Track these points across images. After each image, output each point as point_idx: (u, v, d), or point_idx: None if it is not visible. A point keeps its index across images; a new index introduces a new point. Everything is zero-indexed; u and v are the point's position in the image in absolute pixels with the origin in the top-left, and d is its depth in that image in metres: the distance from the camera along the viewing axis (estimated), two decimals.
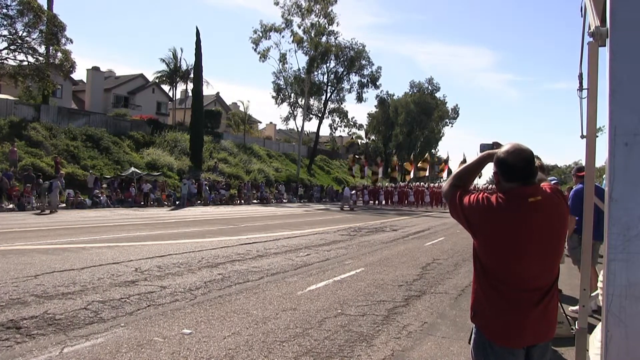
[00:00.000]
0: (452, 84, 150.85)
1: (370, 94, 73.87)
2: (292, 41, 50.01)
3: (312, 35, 49.63)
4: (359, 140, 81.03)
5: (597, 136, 2.77)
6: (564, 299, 3.62)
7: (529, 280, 2.17)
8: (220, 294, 6.59)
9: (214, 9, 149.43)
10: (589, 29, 2.61)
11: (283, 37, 51.19)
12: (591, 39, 2.51)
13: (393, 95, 70.03)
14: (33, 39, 26.68)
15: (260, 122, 72.02)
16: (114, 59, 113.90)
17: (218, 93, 62.67)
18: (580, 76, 3.35)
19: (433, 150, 73.60)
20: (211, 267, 8.47)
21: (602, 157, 2.46)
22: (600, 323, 2.19)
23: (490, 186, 41.86)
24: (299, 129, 54.57)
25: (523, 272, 2.16)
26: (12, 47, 26.45)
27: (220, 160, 39.88)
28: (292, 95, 53.87)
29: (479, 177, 46.26)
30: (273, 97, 53.98)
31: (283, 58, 51.78)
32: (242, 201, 33.45)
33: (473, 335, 2.32)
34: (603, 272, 2.15)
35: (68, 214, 19.42)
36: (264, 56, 50.71)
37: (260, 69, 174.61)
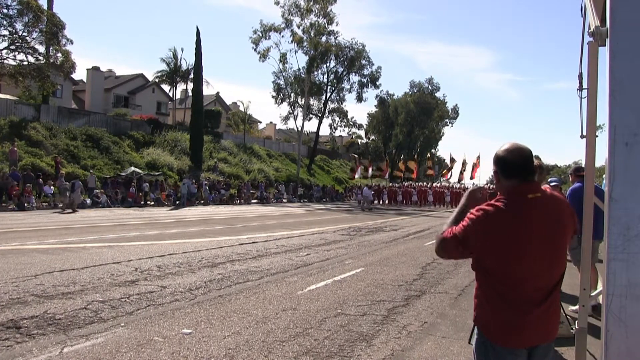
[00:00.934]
0: (452, 83, 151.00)
1: (370, 94, 74.27)
2: (292, 41, 50.04)
3: (312, 35, 49.61)
4: (359, 140, 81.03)
5: (597, 136, 2.78)
6: (563, 298, 3.62)
7: (531, 280, 2.16)
8: (220, 293, 6.59)
9: (214, 9, 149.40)
10: (589, 28, 2.61)
11: (283, 37, 51.20)
12: (591, 39, 2.51)
13: (393, 95, 70.09)
14: (33, 39, 26.68)
15: (260, 122, 72.09)
16: (114, 59, 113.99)
17: (218, 93, 62.77)
18: (580, 76, 3.35)
19: (433, 150, 73.62)
20: (211, 267, 8.47)
21: (602, 157, 2.47)
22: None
23: (490, 185, 41.91)
24: (299, 129, 54.56)
25: (525, 272, 2.15)
26: (12, 47, 26.44)
27: (220, 160, 39.88)
28: (292, 95, 53.89)
29: (471, 178, 46.35)
30: (273, 96, 54.00)
31: (283, 58, 51.81)
32: (242, 201, 33.45)
33: (475, 336, 2.32)
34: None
35: (67, 214, 19.42)
36: (264, 56, 50.72)
37: (260, 69, 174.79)
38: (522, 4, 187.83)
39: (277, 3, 49.44)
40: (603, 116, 2.26)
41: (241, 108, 54.40)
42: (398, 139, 68.45)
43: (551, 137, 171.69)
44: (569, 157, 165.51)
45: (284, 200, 38.03)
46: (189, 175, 32.05)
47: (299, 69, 52.14)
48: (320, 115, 55.48)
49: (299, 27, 49.93)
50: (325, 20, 49.99)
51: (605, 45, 2.25)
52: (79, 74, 48.08)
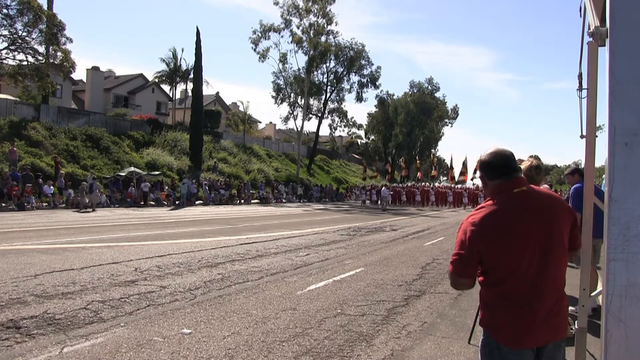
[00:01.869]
0: (452, 83, 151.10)
1: (370, 94, 74.29)
2: (292, 41, 50.05)
3: (311, 35, 49.61)
4: (359, 140, 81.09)
5: (597, 136, 2.78)
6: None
7: (531, 277, 2.17)
8: (220, 293, 6.59)
9: (213, 9, 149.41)
10: (589, 29, 2.61)
11: (282, 37, 51.26)
12: (591, 39, 2.51)
13: (393, 95, 70.16)
14: (33, 39, 26.70)
15: (260, 122, 72.10)
16: (114, 59, 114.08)
17: (218, 93, 62.75)
18: (580, 76, 3.35)
19: (433, 150, 73.68)
20: (211, 267, 8.47)
21: (601, 157, 2.47)
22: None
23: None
24: (299, 129, 54.61)
25: (524, 268, 2.17)
26: (12, 47, 26.44)
27: (220, 160, 39.88)
28: (292, 95, 53.93)
29: (472, 179, 46.64)
30: (273, 97, 54.06)
31: (283, 58, 51.83)
32: (242, 201, 33.44)
33: (482, 337, 2.32)
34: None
35: (67, 214, 19.42)
36: (263, 56, 50.73)
37: (260, 69, 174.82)
38: (522, 4, 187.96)
39: (277, 3, 49.48)
40: (603, 116, 2.26)
41: (241, 108, 54.42)
42: (398, 139, 68.48)
43: (551, 137, 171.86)
44: (568, 157, 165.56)
45: (283, 200, 38.03)
46: (189, 175, 32.05)
47: (298, 69, 52.23)
48: (320, 115, 55.57)
49: (298, 28, 50.01)
50: (324, 20, 50.03)
51: (605, 46, 2.25)
52: (79, 74, 48.20)
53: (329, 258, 10.05)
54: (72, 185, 24.35)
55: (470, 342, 4.90)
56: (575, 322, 2.81)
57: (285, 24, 49.81)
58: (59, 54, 27.28)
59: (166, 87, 52.31)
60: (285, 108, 71.40)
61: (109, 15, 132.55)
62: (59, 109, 31.90)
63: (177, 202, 28.14)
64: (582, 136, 2.99)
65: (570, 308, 5.90)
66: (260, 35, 49.93)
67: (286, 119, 57.14)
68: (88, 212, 20.90)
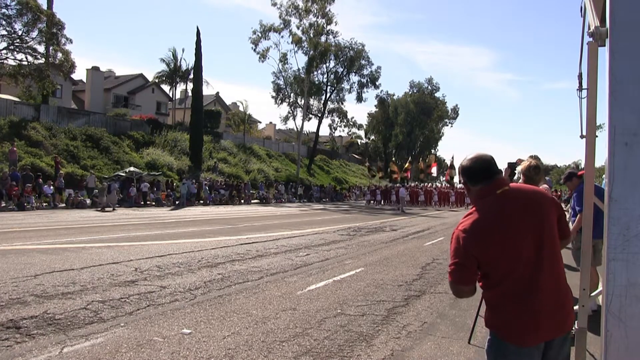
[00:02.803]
0: (452, 83, 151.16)
1: (370, 94, 74.28)
2: (291, 41, 50.07)
3: (311, 35, 49.62)
4: (359, 140, 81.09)
5: (597, 136, 2.78)
6: None
7: (529, 273, 2.19)
8: (220, 293, 6.59)
9: (213, 9, 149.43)
10: (589, 29, 2.61)
11: (282, 37, 51.30)
12: (591, 39, 2.51)
13: (393, 95, 70.15)
14: (32, 39, 26.68)
15: (260, 122, 72.12)
16: (114, 59, 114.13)
17: (218, 93, 62.75)
18: (580, 76, 3.35)
19: (433, 150, 73.67)
20: (211, 267, 8.47)
21: (601, 157, 2.47)
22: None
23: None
24: (299, 129, 54.62)
25: (521, 265, 2.19)
26: (11, 47, 26.43)
27: (220, 160, 39.88)
28: (292, 95, 53.96)
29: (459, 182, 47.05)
30: (273, 97, 54.09)
31: (283, 58, 51.89)
32: (242, 201, 33.44)
33: (488, 337, 2.32)
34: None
35: (68, 214, 19.42)
36: (263, 56, 50.79)
37: (260, 69, 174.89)
38: (522, 4, 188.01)
39: (275, 4, 49.49)
40: (603, 116, 2.26)
41: (241, 108, 54.46)
42: (398, 139, 68.49)
43: (551, 137, 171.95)
44: (568, 157, 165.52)
45: (283, 200, 38.03)
46: (189, 176, 32.04)
47: (298, 69, 52.28)
48: (320, 115, 55.56)
49: (297, 28, 50.03)
50: (324, 20, 50.06)
51: (605, 46, 2.25)
52: (79, 74, 48.21)
53: (329, 258, 10.05)
54: (72, 185, 24.39)
55: (470, 342, 4.90)
56: (575, 322, 2.81)
57: (285, 24, 49.88)
58: (58, 54, 27.27)
59: (166, 87, 52.39)
60: (285, 108, 71.43)
61: (109, 15, 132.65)
62: (59, 109, 31.90)
63: (177, 202, 28.14)
64: (582, 136, 2.99)
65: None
66: (260, 35, 50.01)
67: (286, 119, 57.25)
68: (108, 211, 21.74)
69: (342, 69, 54.58)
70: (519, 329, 2.18)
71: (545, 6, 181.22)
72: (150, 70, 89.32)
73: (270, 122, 75.88)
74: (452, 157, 51.27)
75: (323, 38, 50.56)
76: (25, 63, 26.84)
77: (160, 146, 35.91)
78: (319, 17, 49.81)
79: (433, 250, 12.20)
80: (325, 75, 54.57)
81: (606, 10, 2.20)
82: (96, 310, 5.52)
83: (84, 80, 47.74)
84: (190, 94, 42.87)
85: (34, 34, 26.58)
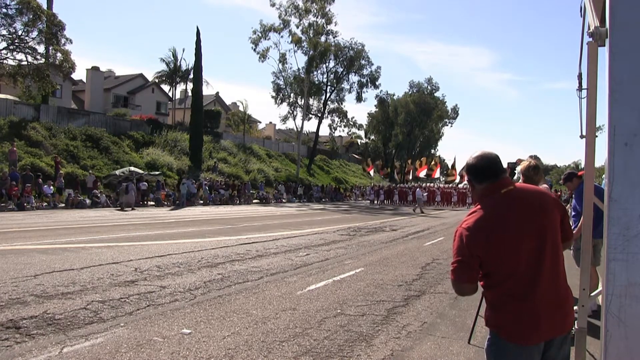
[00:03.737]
0: (452, 83, 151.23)
1: (370, 94, 74.16)
2: (291, 41, 50.05)
3: (311, 35, 49.61)
4: (359, 140, 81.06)
5: (597, 136, 2.78)
6: None
7: (531, 273, 2.19)
8: (220, 293, 6.59)
9: (213, 8, 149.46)
10: (589, 29, 2.61)
11: (282, 37, 51.26)
12: (590, 39, 2.51)
13: (393, 95, 70.09)
14: (32, 39, 26.65)
15: (260, 122, 72.10)
16: (114, 59, 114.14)
17: (217, 93, 62.74)
18: (580, 76, 3.35)
19: (433, 150, 73.65)
20: (211, 267, 8.47)
21: (601, 157, 2.47)
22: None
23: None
24: (299, 129, 54.62)
25: (522, 265, 2.19)
26: (11, 47, 26.41)
27: (220, 160, 39.87)
28: (292, 95, 53.94)
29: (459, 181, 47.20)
30: (273, 97, 54.05)
31: (282, 58, 51.88)
32: (242, 201, 33.43)
33: (488, 336, 2.33)
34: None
35: (67, 214, 19.42)
36: (263, 56, 50.78)
37: (259, 69, 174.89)
38: (522, 4, 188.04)
39: (273, 5, 49.47)
40: (603, 116, 2.26)
41: (240, 108, 54.44)
42: (398, 139, 68.44)
43: (551, 137, 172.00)
44: (568, 157, 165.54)
45: (283, 200, 38.02)
46: (189, 175, 32.03)
47: (298, 69, 52.26)
48: (319, 115, 55.55)
49: (297, 28, 50.03)
50: (323, 20, 50.06)
51: (604, 46, 2.25)
52: (79, 74, 48.15)
53: (328, 258, 10.05)
54: (72, 185, 24.40)
55: (470, 342, 4.90)
56: (575, 322, 2.81)
57: (284, 24, 49.86)
58: (58, 54, 27.23)
59: (166, 87, 52.38)
60: (285, 108, 71.27)
61: (109, 15, 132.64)
62: (58, 109, 31.88)
63: (177, 202, 28.13)
64: (582, 136, 2.99)
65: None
66: (260, 35, 50.00)
67: (286, 119, 57.16)
68: (128, 210, 22.57)
69: (341, 69, 54.59)
70: (520, 329, 2.19)
71: (545, 6, 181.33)
72: (150, 70, 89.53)
73: (270, 122, 75.91)
74: (454, 159, 51.46)
75: (323, 38, 50.59)
76: (25, 63, 26.82)
77: (160, 146, 35.89)
78: (319, 17, 49.86)
79: (433, 250, 12.20)
80: (325, 75, 54.61)
81: (606, 10, 2.20)
82: (96, 310, 5.52)
83: (84, 80, 47.71)
84: (190, 94, 42.86)
85: (34, 34, 26.56)
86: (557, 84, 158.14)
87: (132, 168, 27.71)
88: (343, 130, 64.20)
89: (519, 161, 5.37)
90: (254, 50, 50.71)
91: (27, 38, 26.49)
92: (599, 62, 2.66)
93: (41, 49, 27.25)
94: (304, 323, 5.37)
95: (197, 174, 34.31)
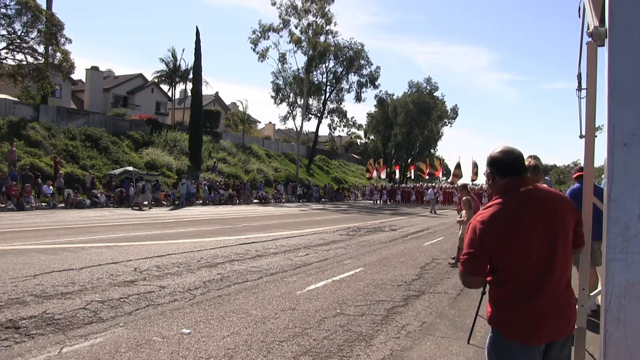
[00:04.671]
0: (451, 83, 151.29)
1: (370, 94, 73.80)
2: (290, 41, 50.03)
3: (310, 35, 49.60)
4: (358, 140, 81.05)
5: (596, 136, 2.78)
6: None
7: (539, 274, 2.19)
8: (219, 293, 6.59)
9: (212, 8, 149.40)
10: (588, 29, 2.61)
11: (281, 37, 51.30)
12: (590, 39, 2.51)
13: (392, 95, 70.02)
14: (32, 39, 26.63)
15: (260, 122, 72.09)
16: (113, 59, 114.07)
17: (217, 93, 62.72)
18: (579, 76, 3.35)
19: (432, 150, 73.59)
20: (210, 267, 8.46)
21: (601, 157, 2.47)
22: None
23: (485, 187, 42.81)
24: (298, 129, 54.59)
25: (531, 265, 2.18)
26: (10, 47, 26.38)
27: (220, 160, 39.86)
28: (291, 95, 53.96)
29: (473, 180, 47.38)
30: (272, 97, 54.05)
31: (282, 58, 51.87)
32: (241, 201, 33.41)
33: (490, 335, 2.32)
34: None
35: (67, 214, 19.40)
36: (262, 56, 50.77)
37: (259, 69, 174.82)
38: (522, 3, 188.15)
39: (274, 4, 49.45)
40: (602, 116, 2.26)
41: (240, 108, 54.41)
42: (397, 139, 68.37)
43: (550, 137, 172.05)
44: (568, 157, 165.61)
45: (283, 200, 38.01)
46: (188, 175, 32.02)
47: (297, 69, 52.25)
48: (319, 115, 55.56)
49: (297, 28, 50.01)
50: (323, 20, 50.06)
51: (604, 46, 2.25)
52: (78, 74, 48.05)
53: (328, 258, 10.05)
54: (72, 185, 24.37)
55: (469, 342, 4.90)
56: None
57: (284, 24, 49.85)
58: (58, 54, 27.20)
59: (165, 87, 52.34)
60: (284, 108, 71.39)
61: (109, 15, 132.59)
62: (58, 109, 31.85)
63: (176, 202, 28.12)
64: (581, 136, 2.98)
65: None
66: (259, 35, 49.98)
67: (285, 119, 57.15)
68: (145, 210, 23.36)
69: (341, 69, 54.61)
70: (523, 328, 2.18)
71: (545, 6, 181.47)
72: (149, 70, 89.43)
73: (270, 122, 75.91)
74: (459, 158, 51.62)
75: (322, 38, 50.60)
76: (25, 63, 26.80)
77: (159, 146, 35.88)
78: (318, 17, 49.86)
79: (432, 250, 12.20)
80: (325, 75, 54.63)
81: (605, 10, 2.20)
82: (95, 310, 5.52)
83: (84, 80, 47.65)
84: (189, 93, 42.82)
85: (34, 34, 26.52)
86: (557, 84, 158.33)
87: (130, 168, 27.66)
88: (342, 130, 64.25)
89: None
90: (254, 50, 50.78)
91: (26, 38, 26.48)
92: (598, 62, 2.66)
93: (41, 49, 27.25)
94: (304, 323, 5.37)
95: (197, 174, 34.30)
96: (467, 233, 2.30)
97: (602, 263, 2.21)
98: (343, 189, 50.33)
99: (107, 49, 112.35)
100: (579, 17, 3.24)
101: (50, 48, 27.15)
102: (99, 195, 24.45)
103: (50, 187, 22.65)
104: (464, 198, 9.89)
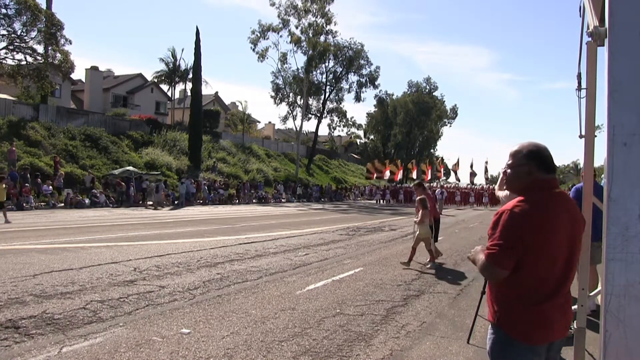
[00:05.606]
0: (451, 83, 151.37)
1: (369, 94, 73.58)
2: (290, 41, 50.02)
3: (310, 35, 49.58)
4: (358, 140, 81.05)
5: (596, 136, 2.78)
6: None
7: (558, 277, 2.18)
8: (219, 293, 6.59)
9: (212, 8, 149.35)
10: (588, 29, 2.61)
11: (281, 37, 51.26)
12: (590, 39, 2.51)
13: (392, 95, 70.03)
14: (32, 39, 26.60)
15: (259, 122, 72.09)
16: (113, 59, 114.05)
17: (217, 93, 62.72)
18: (579, 76, 3.35)
19: (432, 150, 73.60)
20: (210, 266, 8.46)
21: (600, 157, 2.47)
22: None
23: (491, 186, 42.89)
24: (298, 129, 54.58)
25: (552, 264, 2.16)
26: (10, 47, 26.36)
27: (219, 160, 39.85)
28: (291, 95, 53.95)
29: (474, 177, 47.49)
30: (272, 96, 54.03)
31: (282, 58, 51.86)
32: (241, 201, 33.40)
33: (494, 336, 2.28)
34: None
35: (66, 214, 19.39)
36: (262, 56, 50.73)
37: (259, 69, 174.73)
38: (522, 3, 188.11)
39: (273, 4, 49.42)
40: (602, 116, 2.26)
41: (240, 108, 54.44)
42: (397, 139, 68.37)
43: (550, 137, 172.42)
44: (568, 157, 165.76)
45: (282, 200, 37.99)
46: (188, 175, 32.01)
47: (297, 69, 52.24)
48: (319, 115, 55.54)
49: (296, 28, 50.00)
50: (323, 20, 50.02)
51: (604, 45, 2.25)
52: (78, 74, 48.06)
53: (327, 258, 10.05)
54: (71, 185, 24.37)
55: (469, 341, 4.90)
56: (574, 322, 2.81)
57: (284, 24, 49.83)
58: (57, 54, 27.18)
59: (165, 87, 52.32)
60: (284, 108, 71.42)
61: (109, 15, 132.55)
62: (57, 109, 31.83)
63: (176, 202, 28.11)
64: (581, 136, 2.99)
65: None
66: (259, 35, 49.96)
67: (285, 119, 57.15)
68: (159, 209, 24.06)
69: (341, 69, 54.61)
70: (532, 328, 2.16)
71: (545, 6, 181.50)
72: (149, 70, 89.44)
73: (270, 122, 75.92)
74: (458, 159, 51.64)
75: (322, 38, 50.56)
76: (24, 63, 26.78)
77: (159, 146, 35.86)
78: (318, 16, 49.83)
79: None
80: (324, 75, 54.62)
81: (605, 10, 2.19)
82: (95, 310, 5.52)
83: (83, 80, 47.65)
84: (189, 93, 42.81)
85: (33, 33, 26.50)
86: (557, 83, 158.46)
87: (130, 168, 27.67)
88: (342, 130, 64.25)
89: None
90: (253, 50, 50.74)
91: (26, 38, 26.47)
92: (598, 62, 2.66)
93: (40, 49, 27.25)
94: (303, 323, 5.37)
95: (197, 173, 34.29)
96: (500, 224, 2.15)
97: (602, 262, 2.22)
98: (343, 189, 50.33)
99: (107, 49, 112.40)
100: (580, 16, 3.24)
101: (50, 48, 27.13)
102: (98, 195, 24.44)
103: (50, 186, 22.65)
104: (419, 197, 9.75)
